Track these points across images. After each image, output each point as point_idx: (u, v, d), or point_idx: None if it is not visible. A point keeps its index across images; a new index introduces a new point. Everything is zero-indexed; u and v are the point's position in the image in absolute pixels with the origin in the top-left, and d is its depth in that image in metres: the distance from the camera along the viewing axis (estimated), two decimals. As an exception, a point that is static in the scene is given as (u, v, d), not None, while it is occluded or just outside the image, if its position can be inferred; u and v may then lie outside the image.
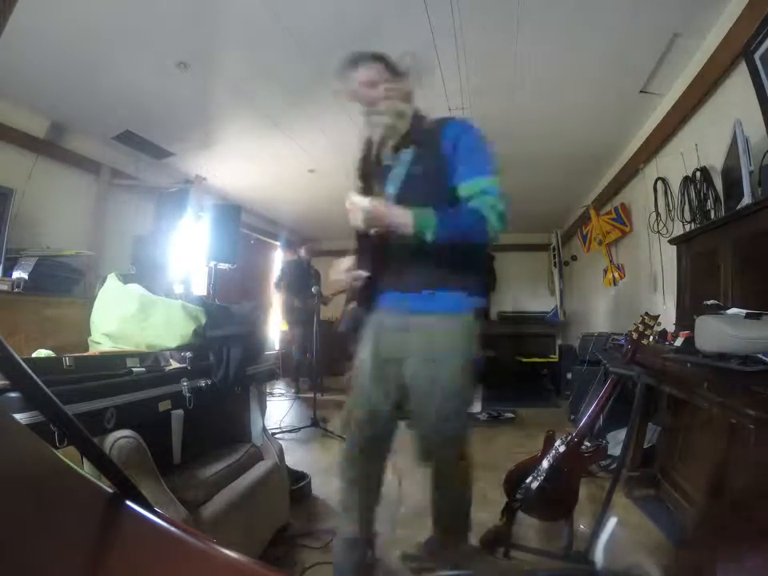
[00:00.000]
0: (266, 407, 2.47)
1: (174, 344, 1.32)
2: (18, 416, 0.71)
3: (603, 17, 1.96)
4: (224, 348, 1.39)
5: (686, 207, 2.31)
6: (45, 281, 2.33)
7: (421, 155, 1.22)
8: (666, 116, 2.57)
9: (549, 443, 1.51)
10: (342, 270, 1.22)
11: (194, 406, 1.25)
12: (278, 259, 6.22)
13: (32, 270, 2.30)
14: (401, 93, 1.29)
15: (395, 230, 1.07)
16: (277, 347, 5.33)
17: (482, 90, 2.61)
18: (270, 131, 3.19)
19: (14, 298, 2.09)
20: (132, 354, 1.23)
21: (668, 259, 2.60)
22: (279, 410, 3.63)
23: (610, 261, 3.88)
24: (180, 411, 1.22)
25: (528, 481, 1.47)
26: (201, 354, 1.38)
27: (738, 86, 1.86)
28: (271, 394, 4.25)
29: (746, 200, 1.62)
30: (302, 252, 4.77)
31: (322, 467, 2.30)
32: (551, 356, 5.37)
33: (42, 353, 1.19)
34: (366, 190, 1.24)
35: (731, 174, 1.79)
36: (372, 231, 1.13)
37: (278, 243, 6.12)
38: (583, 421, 1.52)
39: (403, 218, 1.05)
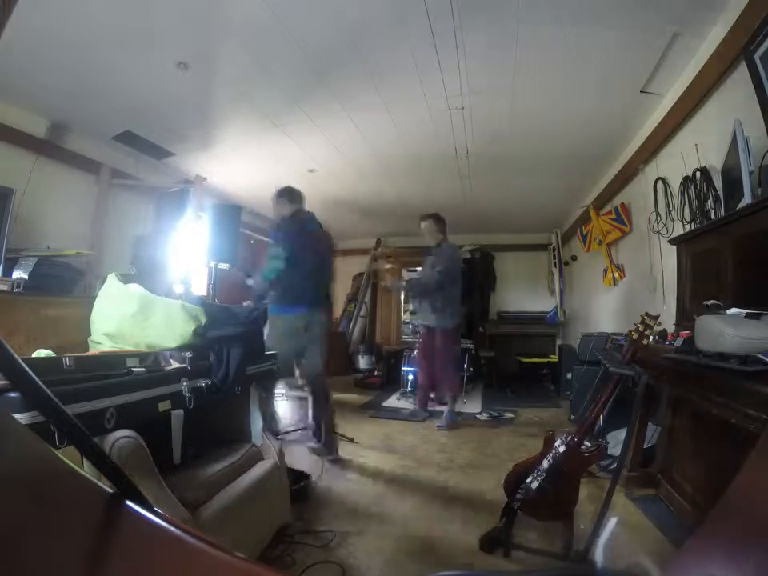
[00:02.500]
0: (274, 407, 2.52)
1: (174, 344, 1.32)
2: (18, 416, 0.71)
3: (603, 17, 1.96)
4: (224, 348, 1.39)
5: (686, 207, 2.31)
6: (45, 281, 2.33)
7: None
8: (666, 116, 2.57)
9: (549, 443, 1.51)
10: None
11: (194, 406, 1.25)
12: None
13: (32, 270, 2.30)
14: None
15: None
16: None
17: (482, 90, 2.61)
18: (270, 131, 3.19)
19: (14, 298, 2.08)
20: (132, 354, 1.23)
21: (668, 259, 2.60)
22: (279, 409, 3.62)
23: (610, 261, 3.88)
24: (180, 411, 1.22)
25: (528, 481, 1.47)
26: (201, 353, 1.38)
27: (738, 86, 1.86)
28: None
29: (746, 200, 1.62)
30: None
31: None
32: (551, 356, 5.37)
33: (41, 353, 1.19)
34: None
35: (731, 174, 1.79)
36: None
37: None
38: (583, 421, 1.52)
39: None
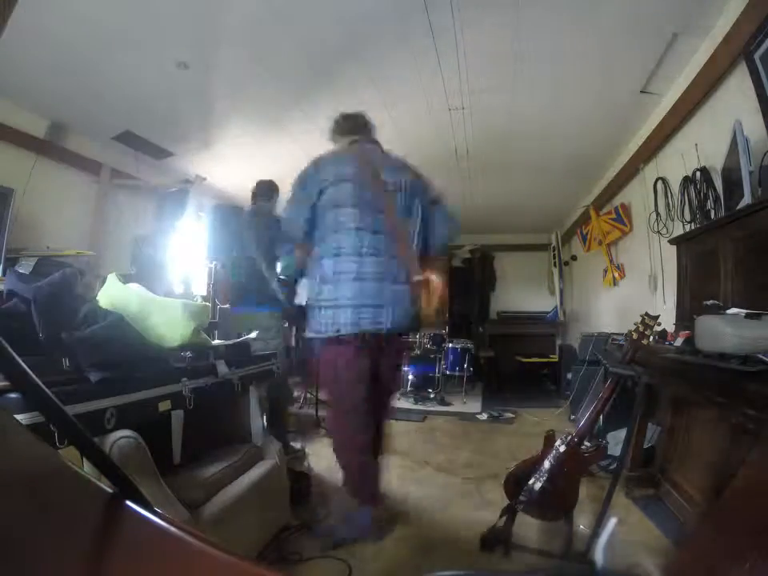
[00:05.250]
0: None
1: (174, 344, 1.32)
2: (18, 416, 0.71)
3: (603, 17, 1.96)
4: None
5: (686, 207, 2.31)
6: (45, 281, 2.33)
7: None
8: (666, 116, 2.57)
9: (549, 443, 1.51)
10: None
11: (194, 406, 1.25)
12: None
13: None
14: None
15: None
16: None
17: (482, 90, 2.61)
18: (270, 131, 3.19)
19: (14, 298, 2.08)
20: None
21: (668, 259, 2.60)
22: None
23: (610, 261, 3.88)
24: (180, 411, 1.21)
25: (531, 482, 1.47)
26: (201, 353, 1.38)
27: (738, 86, 1.86)
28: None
29: (746, 200, 1.62)
30: None
31: (322, 467, 2.31)
32: (551, 356, 5.37)
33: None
34: None
35: (731, 174, 1.79)
36: None
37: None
38: (583, 421, 1.52)
39: None
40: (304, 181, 1.63)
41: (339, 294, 1.52)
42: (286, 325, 2.46)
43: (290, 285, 2.29)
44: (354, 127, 1.88)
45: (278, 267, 2.39)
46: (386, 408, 1.80)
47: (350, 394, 1.56)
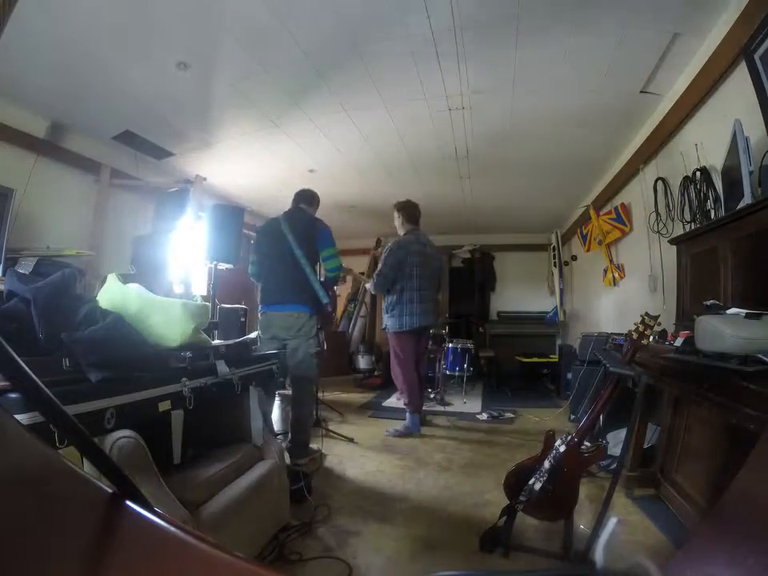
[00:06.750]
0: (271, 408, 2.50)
1: (174, 344, 1.31)
2: (18, 416, 0.71)
3: (603, 17, 1.96)
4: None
5: (686, 207, 2.31)
6: (45, 281, 2.33)
7: None
8: (666, 116, 2.57)
9: (549, 443, 1.51)
10: None
11: (194, 406, 1.25)
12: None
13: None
14: None
15: None
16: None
17: (482, 90, 2.61)
18: (270, 131, 3.19)
19: (14, 298, 2.08)
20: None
21: (668, 259, 2.60)
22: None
23: (610, 261, 3.88)
24: (180, 411, 1.21)
25: (531, 482, 1.47)
26: (201, 353, 1.38)
27: (738, 86, 1.86)
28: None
29: (746, 200, 1.62)
30: None
31: (322, 467, 2.31)
32: (551, 356, 5.37)
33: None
34: None
35: (731, 174, 1.79)
36: None
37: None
38: (583, 421, 1.52)
39: None
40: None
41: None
42: (319, 326, 2.49)
43: (331, 288, 2.63)
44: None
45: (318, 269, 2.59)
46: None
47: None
